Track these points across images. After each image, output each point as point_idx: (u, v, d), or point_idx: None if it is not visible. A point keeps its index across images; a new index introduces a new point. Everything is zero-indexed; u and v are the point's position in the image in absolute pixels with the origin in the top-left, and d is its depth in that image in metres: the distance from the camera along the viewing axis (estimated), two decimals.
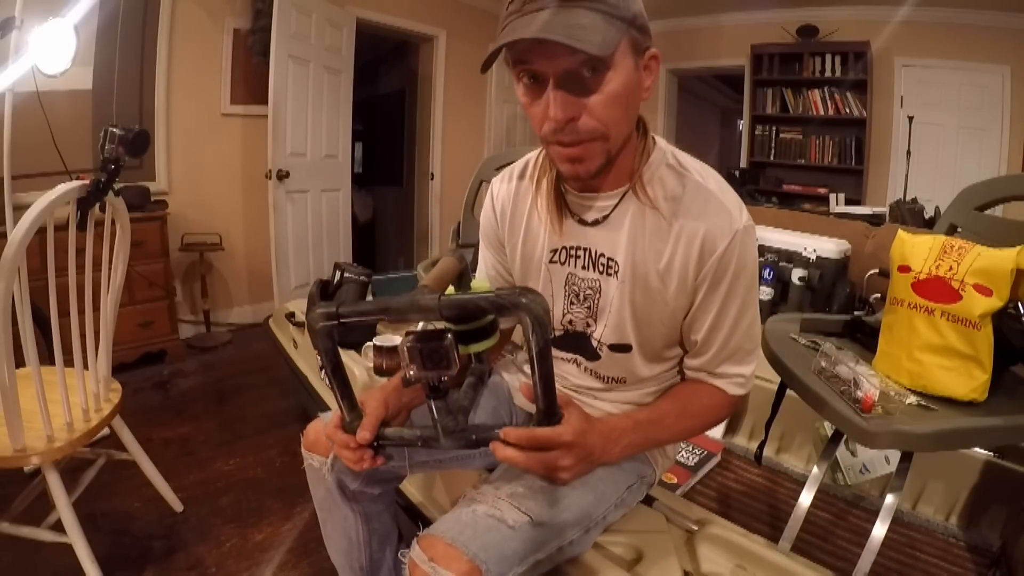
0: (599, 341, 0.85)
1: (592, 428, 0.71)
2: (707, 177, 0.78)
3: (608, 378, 0.88)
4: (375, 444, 0.70)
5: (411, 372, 0.62)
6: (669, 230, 0.76)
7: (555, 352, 0.90)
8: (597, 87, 0.65)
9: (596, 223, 0.81)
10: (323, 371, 0.70)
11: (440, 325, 0.64)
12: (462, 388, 0.76)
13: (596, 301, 0.83)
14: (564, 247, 0.84)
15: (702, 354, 0.83)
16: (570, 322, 0.87)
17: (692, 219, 0.75)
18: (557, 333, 0.89)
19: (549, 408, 0.63)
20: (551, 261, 0.86)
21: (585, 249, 0.83)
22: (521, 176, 0.90)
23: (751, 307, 0.81)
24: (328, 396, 1.72)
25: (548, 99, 0.66)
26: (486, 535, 0.68)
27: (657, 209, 0.76)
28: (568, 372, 0.92)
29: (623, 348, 0.84)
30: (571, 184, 0.83)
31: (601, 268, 0.82)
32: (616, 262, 0.80)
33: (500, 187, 0.93)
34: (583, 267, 0.83)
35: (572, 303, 0.86)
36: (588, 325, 0.86)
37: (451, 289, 0.66)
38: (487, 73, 4.47)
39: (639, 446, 0.81)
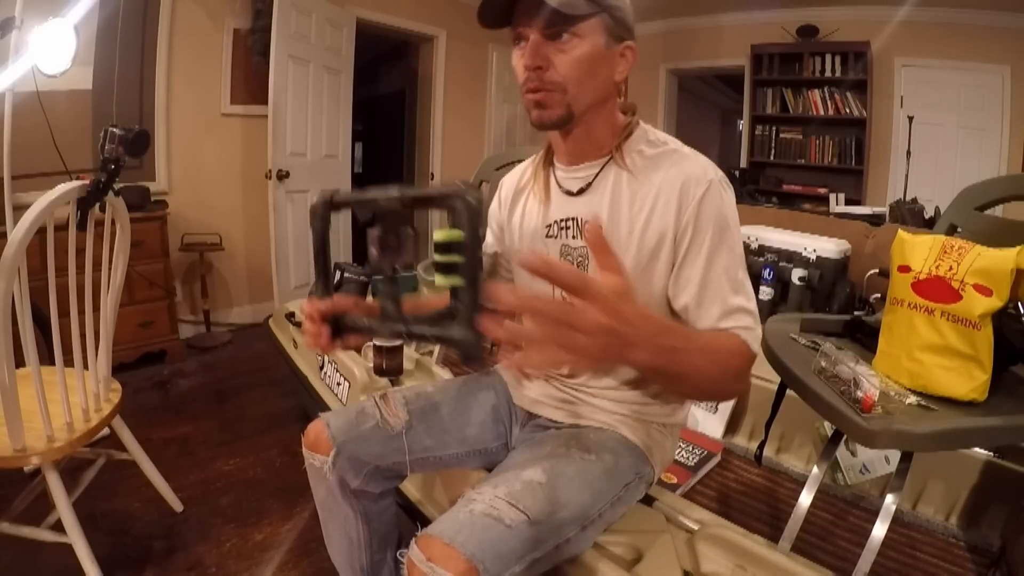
0: None
1: (633, 300, 0.58)
2: (681, 146, 0.86)
3: None
4: (335, 328, 0.76)
5: (373, 255, 0.70)
6: (646, 190, 0.82)
7: None
8: (564, 47, 0.78)
9: (581, 192, 0.88)
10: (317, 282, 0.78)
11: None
12: (431, 313, 0.72)
13: (586, 268, 0.88)
14: (556, 220, 0.91)
15: (703, 312, 0.78)
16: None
17: (667, 176, 0.81)
18: None
19: (472, 299, 0.61)
20: (547, 236, 0.92)
21: (573, 219, 0.89)
22: (525, 169, 1.01)
23: (740, 263, 0.80)
24: (328, 396, 1.72)
25: (525, 50, 0.78)
26: (483, 534, 0.68)
27: (633, 172, 0.84)
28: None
29: None
30: (560, 157, 0.91)
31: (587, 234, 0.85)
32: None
33: (508, 179, 1.04)
34: (573, 236, 0.89)
35: None
36: None
37: (445, 232, 0.67)
38: (487, 73, 4.47)
39: (671, 356, 0.63)
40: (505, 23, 0.80)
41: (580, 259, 0.88)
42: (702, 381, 0.74)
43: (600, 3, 0.77)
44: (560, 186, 0.91)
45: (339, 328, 0.76)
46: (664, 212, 0.80)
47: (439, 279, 0.67)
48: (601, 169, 0.86)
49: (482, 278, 0.63)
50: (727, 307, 0.78)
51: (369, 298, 1.53)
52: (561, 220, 0.90)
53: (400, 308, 0.72)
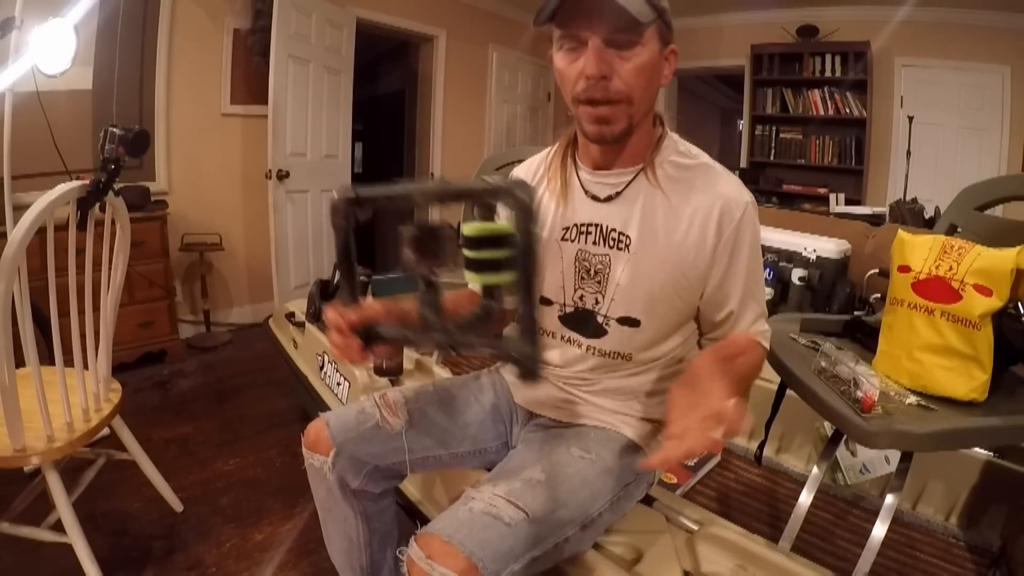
0: (606, 316, 0.87)
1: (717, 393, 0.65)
2: (712, 161, 0.87)
3: (614, 354, 0.89)
4: (366, 338, 0.71)
5: (411, 260, 0.64)
6: (683, 205, 0.82)
7: (561, 332, 0.93)
8: (628, 56, 0.74)
9: (609, 199, 0.86)
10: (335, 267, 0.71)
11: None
12: (465, 317, 0.72)
13: (605, 276, 0.86)
14: (576, 224, 0.89)
15: (737, 323, 0.87)
16: (580, 298, 0.90)
17: (706, 193, 0.82)
18: (568, 310, 0.91)
19: (529, 315, 0.60)
20: (563, 239, 0.90)
21: (596, 225, 0.87)
22: (539, 165, 0.97)
23: (762, 274, 0.89)
24: (328, 396, 1.72)
25: (586, 58, 0.74)
26: (482, 532, 0.68)
27: (669, 185, 0.83)
28: (569, 357, 0.92)
29: (632, 322, 0.86)
30: (587, 161, 0.88)
31: (612, 243, 0.86)
32: (628, 236, 0.84)
33: (520, 175, 1.00)
34: (594, 243, 0.87)
35: (583, 278, 0.89)
36: (597, 301, 0.88)
37: (477, 225, 0.64)
38: (487, 73, 4.47)
39: (738, 389, 0.71)
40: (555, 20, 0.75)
41: (599, 266, 0.87)
42: (745, 388, 0.85)
43: (657, 7, 0.74)
44: (585, 190, 0.88)
45: (368, 337, 0.70)
46: (703, 231, 0.81)
47: (470, 277, 0.64)
48: (633, 178, 0.84)
49: (536, 285, 0.59)
50: (758, 313, 0.88)
51: (369, 298, 1.51)
52: (583, 224, 0.88)
53: (441, 316, 0.67)
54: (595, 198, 0.87)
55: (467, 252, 0.63)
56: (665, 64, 0.80)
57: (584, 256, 0.88)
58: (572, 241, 0.89)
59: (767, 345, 0.89)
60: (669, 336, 0.89)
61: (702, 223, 0.81)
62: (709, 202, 0.81)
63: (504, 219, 0.63)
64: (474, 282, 0.65)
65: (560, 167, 0.91)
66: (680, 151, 0.86)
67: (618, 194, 0.85)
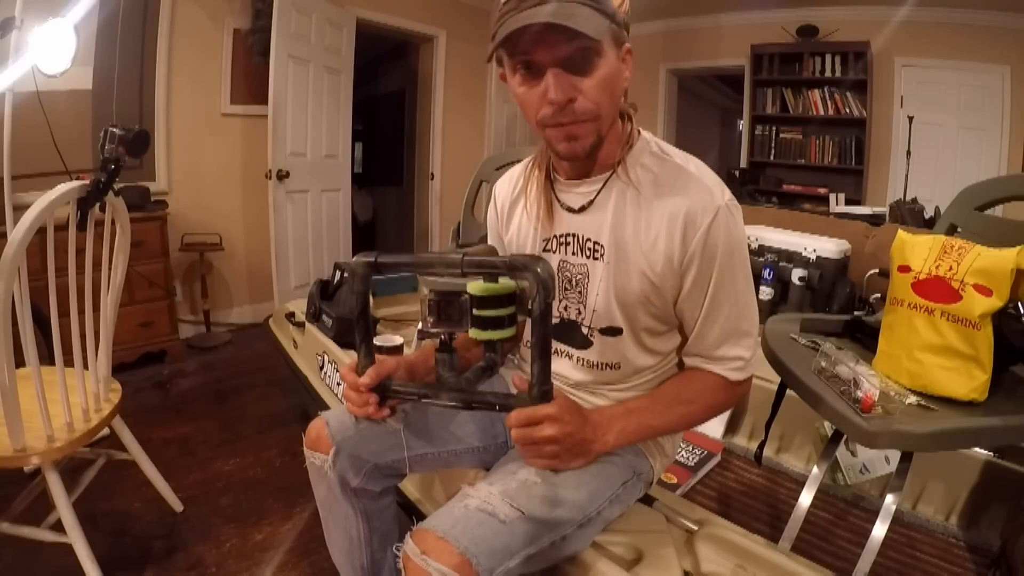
0: (590, 327, 0.88)
1: (580, 412, 0.76)
2: (687, 161, 0.83)
3: (602, 364, 0.89)
4: (382, 395, 0.77)
5: (428, 323, 0.70)
6: (652, 211, 0.80)
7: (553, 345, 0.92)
8: (590, 72, 0.72)
9: (583, 209, 0.85)
10: (355, 320, 0.78)
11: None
12: (471, 369, 0.79)
13: (586, 286, 0.86)
14: (555, 236, 0.89)
15: (701, 339, 0.84)
16: (565, 308, 0.90)
17: (673, 199, 0.79)
18: (554, 321, 0.91)
19: (543, 373, 0.66)
20: (544, 250, 0.90)
21: (574, 235, 0.87)
22: (518, 177, 0.97)
23: (746, 287, 0.82)
24: (328, 396, 1.72)
25: (547, 84, 0.72)
26: (477, 529, 0.69)
27: (639, 191, 0.81)
28: (563, 369, 0.93)
29: (614, 331, 0.86)
30: (560, 171, 0.88)
31: (588, 253, 0.86)
32: (601, 245, 0.84)
33: (501, 187, 1.01)
34: (573, 253, 0.87)
35: (566, 289, 0.89)
36: (579, 312, 0.88)
37: (482, 285, 0.70)
38: (487, 73, 4.47)
39: (634, 433, 0.82)
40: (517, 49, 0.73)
41: (580, 276, 0.87)
42: (681, 426, 0.89)
43: (608, 13, 0.71)
44: (560, 201, 0.88)
45: (384, 392, 0.77)
46: (669, 239, 0.78)
47: (475, 333, 0.70)
48: (603, 185, 0.84)
49: (550, 347, 0.65)
50: (725, 334, 0.82)
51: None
52: (561, 235, 0.88)
53: (457, 376, 0.74)
54: (570, 209, 0.87)
55: (473, 311, 0.69)
56: (624, 66, 0.78)
57: (565, 267, 0.88)
58: (553, 252, 0.89)
59: (736, 377, 0.83)
60: (656, 343, 0.88)
61: (668, 231, 0.78)
62: (675, 209, 0.78)
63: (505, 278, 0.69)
64: (479, 338, 0.70)
65: (536, 181, 0.90)
66: (653, 151, 0.83)
67: (591, 203, 0.84)
